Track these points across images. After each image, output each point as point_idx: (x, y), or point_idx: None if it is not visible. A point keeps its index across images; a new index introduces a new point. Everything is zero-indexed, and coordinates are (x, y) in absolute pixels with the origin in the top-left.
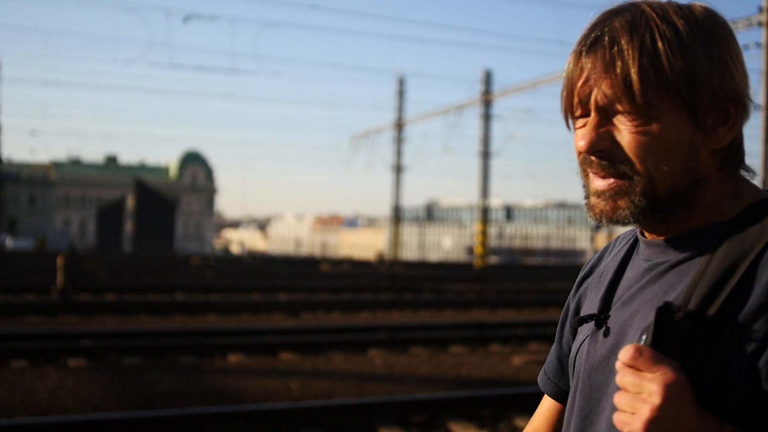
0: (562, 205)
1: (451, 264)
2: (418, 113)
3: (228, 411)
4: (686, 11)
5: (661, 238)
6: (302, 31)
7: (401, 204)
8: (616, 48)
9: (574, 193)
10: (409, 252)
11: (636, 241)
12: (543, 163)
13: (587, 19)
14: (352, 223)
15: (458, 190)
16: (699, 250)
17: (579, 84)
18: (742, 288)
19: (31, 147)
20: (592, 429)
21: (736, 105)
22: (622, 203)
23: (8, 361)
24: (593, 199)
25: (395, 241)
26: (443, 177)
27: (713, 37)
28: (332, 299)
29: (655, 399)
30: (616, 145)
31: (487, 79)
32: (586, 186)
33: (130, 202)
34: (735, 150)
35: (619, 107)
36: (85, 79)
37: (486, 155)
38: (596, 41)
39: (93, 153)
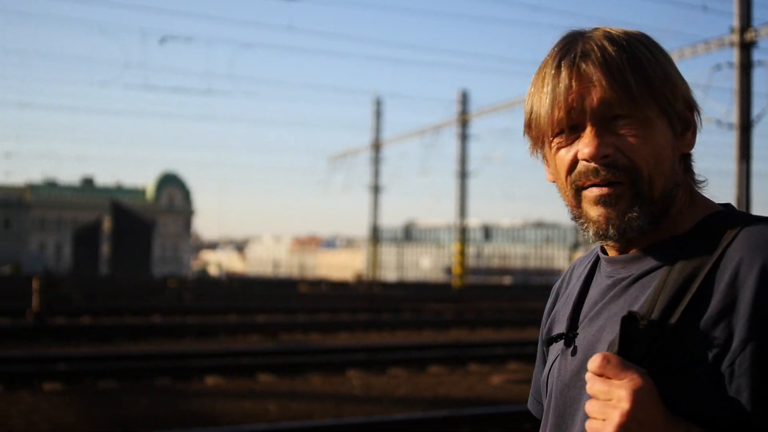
0: (539, 225)
1: (429, 284)
2: (395, 134)
3: None
4: (638, 34)
5: (623, 253)
6: (278, 52)
7: (379, 224)
8: (608, 57)
9: (552, 213)
10: (388, 272)
11: (596, 260)
12: (520, 183)
13: (553, 41)
14: (330, 243)
15: (436, 210)
16: (659, 262)
17: (570, 96)
18: (701, 296)
19: (6, 169)
20: None
21: (693, 113)
22: (628, 208)
23: None
24: (595, 210)
25: (373, 261)
26: (421, 197)
27: (666, 54)
28: (310, 320)
29: (624, 404)
30: (618, 150)
31: (464, 99)
32: (577, 202)
33: (106, 224)
34: (690, 158)
35: (617, 113)
36: (61, 101)
37: (463, 175)
38: (586, 54)
39: (69, 175)
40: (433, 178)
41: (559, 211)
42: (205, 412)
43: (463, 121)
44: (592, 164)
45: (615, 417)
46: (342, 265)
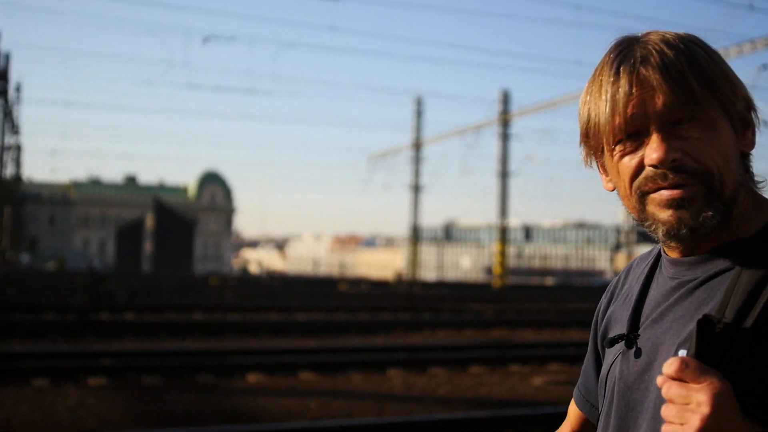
0: (580, 225)
1: (469, 284)
2: (435, 133)
3: (247, 430)
4: (691, 36)
5: (686, 256)
6: (320, 52)
7: (419, 224)
8: (667, 62)
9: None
10: (428, 272)
11: (656, 261)
12: (561, 183)
13: (607, 47)
14: (369, 243)
15: (476, 209)
16: (727, 265)
17: (631, 102)
18: None
19: (52, 167)
20: None
21: (752, 112)
22: (702, 208)
23: (29, 380)
24: (666, 213)
25: (413, 260)
26: (461, 197)
27: (720, 56)
28: (350, 319)
29: (705, 409)
30: (686, 154)
31: (505, 99)
32: (642, 206)
33: (149, 221)
34: (749, 159)
35: (680, 116)
36: (105, 100)
37: (504, 175)
38: (645, 59)
39: (112, 173)
40: (473, 178)
41: (600, 212)
42: (248, 409)
43: (505, 121)
44: (660, 169)
45: (695, 421)
46: (381, 265)
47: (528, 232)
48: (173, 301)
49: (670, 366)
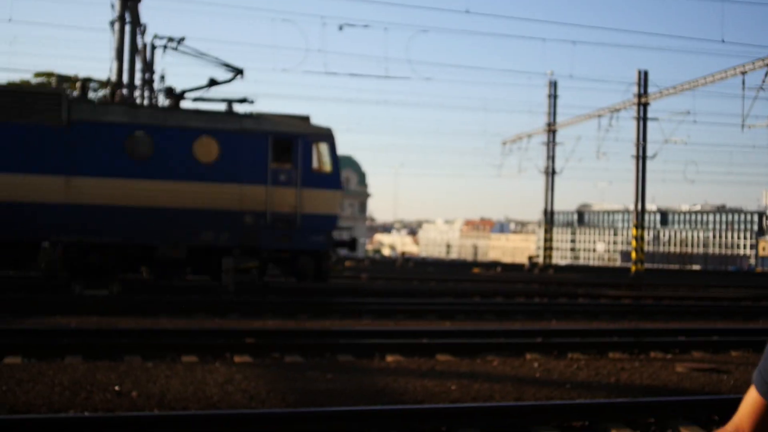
0: (721, 210)
1: (605, 269)
2: (570, 116)
3: (391, 409)
4: None
5: None
6: (454, 36)
7: (552, 208)
8: None
9: (735, 198)
10: (561, 256)
11: None
12: (701, 166)
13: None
14: (502, 227)
15: (609, 193)
16: None
17: None
18: None
19: None
20: None
21: None
22: None
23: (180, 356)
24: None
25: (547, 245)
26: (594, 181)
27: None
28: (485, 303)
29: None
30: None
31: (643, 80)
32: None
33: None
34: None
35: None
36: (245, 88)
37: (642, 158)
38: None
39: None
40: (608, 162)
41: (742, 196)
42: (389, 389)
43: (642, 103)
44: None
45: None
46: (514, 249)
47: (664, 217)
48: (312, 284)
49: None
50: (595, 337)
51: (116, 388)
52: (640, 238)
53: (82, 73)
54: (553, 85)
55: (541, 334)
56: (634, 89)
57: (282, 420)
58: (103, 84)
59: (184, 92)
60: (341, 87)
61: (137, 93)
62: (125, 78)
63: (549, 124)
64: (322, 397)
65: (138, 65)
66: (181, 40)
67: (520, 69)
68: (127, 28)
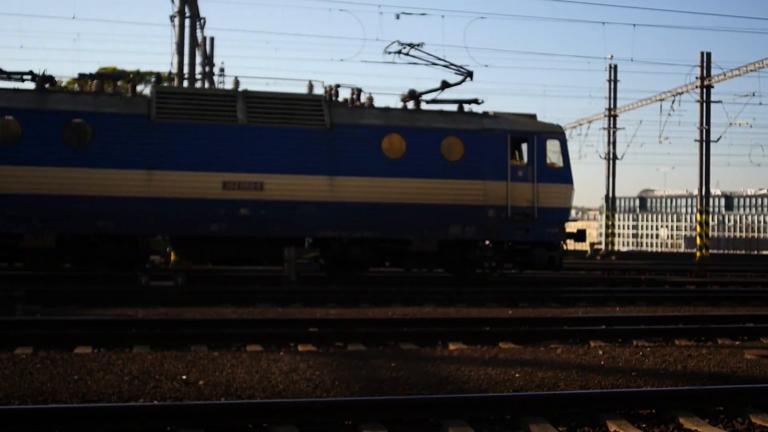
0: None
1: (668, 254)
2: (631, 101)
3: (457, 398)
4: None
5: None
6: (512, 22)
7: (614, 194)
8: None
9: None
10: (623, 243)
11: None
12: (767, 149)
13: None
14: None
15: (671, 178)
16: None
17: None
18: None
19: None
20: None
21: None
22: None
23: (244, 346)
24: None
25: (609, 231)
26: (657, 166)
27: None
28: (548, 291)
29: None
30: None
31: (706, 62)
32: None
33: None
34: None
35: None
36: (304, 78)
37: (706, 142)
38: None
39: None
40: (670, 147)
41: None
42: (452, 377)
43: (705, 86)
44: None
45: None
46: None
47: (729, 201)
48: (370, 274)
49: None
50: (661, 324)
51: (183, 377)
52: (704, 224)
53: (144, 68)
54: (613, 69)
55: (605, 321)
56: (697, 72)
57: (349, 409)
58: (164, 77)
59: (421, 94)
60: (399, 75)
61: (197, 85)
62: (186, 71)
63: (609, 109)
64: (386, 386)
65: (198, 58)
66: (419, 45)
67: (579, 54)
68: (187, 22)
